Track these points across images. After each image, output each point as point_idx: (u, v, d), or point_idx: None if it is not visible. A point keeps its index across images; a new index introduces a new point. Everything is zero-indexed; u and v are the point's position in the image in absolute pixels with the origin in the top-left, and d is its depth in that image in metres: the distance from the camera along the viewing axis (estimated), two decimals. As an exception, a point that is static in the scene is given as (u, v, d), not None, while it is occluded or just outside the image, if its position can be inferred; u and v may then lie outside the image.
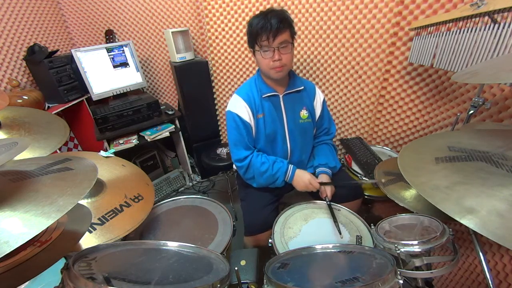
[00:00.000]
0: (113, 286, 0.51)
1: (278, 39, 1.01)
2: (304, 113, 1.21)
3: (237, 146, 1.17)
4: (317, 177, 1.20)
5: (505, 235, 0.41)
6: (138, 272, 0.64)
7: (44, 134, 0.98)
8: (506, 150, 0.58)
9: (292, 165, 1.17)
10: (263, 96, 1.15)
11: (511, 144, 0.60)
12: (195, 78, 1.86)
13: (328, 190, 1.12)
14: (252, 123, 1.17)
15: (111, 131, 1.78)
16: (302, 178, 1.14)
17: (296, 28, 1.08)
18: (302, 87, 1.20)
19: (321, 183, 1.12)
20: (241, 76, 1.90)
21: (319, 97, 1.25)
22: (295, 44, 1.25)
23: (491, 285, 0.72)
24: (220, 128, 2.16)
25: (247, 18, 1.65)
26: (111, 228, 0.86)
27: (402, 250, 0.73)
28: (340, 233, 0.94)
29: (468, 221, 0.45)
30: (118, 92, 1.95)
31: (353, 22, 1.41)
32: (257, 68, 1.21)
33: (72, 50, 1.70)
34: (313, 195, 1.21)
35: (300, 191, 1.17)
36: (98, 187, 0.98)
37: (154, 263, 0.70)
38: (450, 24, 1.00)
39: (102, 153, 1.18)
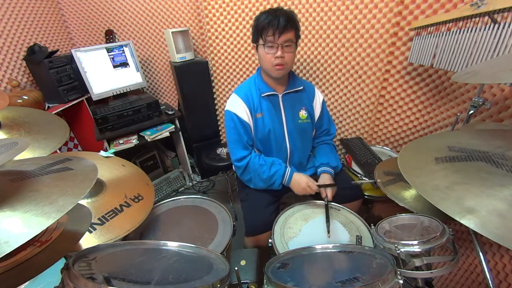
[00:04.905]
0: (113, 286, 0.51)
1: (283, 37, 1.01)
2: (303, 113, 1.20)
3: (235, 146, 1.17)
4: (318, 176, 1.20)
5: (505, 235, 0.41)
6: (138, 272, 0.64)
7: (44, 134, 0.98)
8: (506, 150, 0.58)
9: (289, 168, 1.16)
10: (262, 95, 1.15)
11: (511, 144, 0.60)
12: (195, 78, 1.86)
13: (329, 191, 1.11)
14: (251, 123, 1.16)
15: (111, 131, 1.78)
16: (299, 182, 1.13)
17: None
18: (302, 87, 1.19)
19: (320, 186, 1.12)
20: (241, 76, 1.89)
21: (319, 97, 1.25)
22: (296, 45, 1.28)
23: (491, 285, 0.72)
24: (220, 128, 2.16)
25: (247, 18, 1.65)
26: (111, 228, 0.86)
27: (402, 250, 0.73)
28: (329, 232, 0.96)
29: (468, 221, 0.45)
30: (118, 92, 1.95)
31: (353, 22, 1.41)
32: (257, 68, 1.21)
33: (72, 50, 1.70)
34: (313, 195, 1.20)
35: (298, 194, 1.16)
36: (98, 187, 0.98)
37: (154, 263, 0.70)
38: (450, 24, 1.00)
39: (102, 153, 1.18)
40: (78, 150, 2.33)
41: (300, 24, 1.10)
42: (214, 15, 1.70)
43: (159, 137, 1.89)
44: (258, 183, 1.17)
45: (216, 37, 1.78)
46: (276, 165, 1.15)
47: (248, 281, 0.87)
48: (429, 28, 1.10)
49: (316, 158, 1.28)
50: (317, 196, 1.16)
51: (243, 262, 0.94)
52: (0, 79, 1.71)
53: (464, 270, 1.10)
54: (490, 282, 0.72)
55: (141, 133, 1.88)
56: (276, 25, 0.99)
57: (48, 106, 1.85)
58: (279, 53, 1.03)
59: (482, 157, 0.58)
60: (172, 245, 0.76)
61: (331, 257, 0.78)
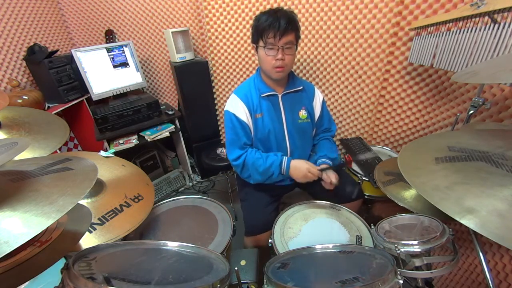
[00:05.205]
0: (113, 286, 0.51)
1: (284, 39, 1.00)
2: (303, 113, 1.20)
3: (232, 146, 1.17)
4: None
5: (505, 235, 0.41)
6: (138, 272, 0.64)
7: (44, 134, 0.98)
8: (506, 150, 0.58)
9: (286, 157, 1.14)
10: (262, 95, 1.15)
11: (511, 144, 0.60)
12: (195, 78, 1.86)
13: (332, 176, 1.09)
14: (250, 123, 1.16)
15: (111, 131, 1.78)
16: (300, 168, 1.10)
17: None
18: (301, 87, 1.19)
19: (321, 169, 1.09)
20: (241, 76, 1.90)
21: (318, 97, 1.24)
22: (296, 45, 1.28)
23: (491, 285, 0.72)
24: (220, 128, 2.16)
25: (247, 18, 1.65)
26: (111, 228, 0.86)
27: (402, 250, 0.73)
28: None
29: (468, 221, 0.45)
30: (118, 92, 1.95)
31: (353, 22, 1.41)
32: (256, 68, 1.21)
33: (72, 50, 1.70)
34: (314, 195, 1.20)
35: (300, 182, 1.12)
36: (98, 187, 0.98)
37: (154, 263, 0.70)
38: (450, 24, 1.00)
39: (102, 153, 1.18)
40: (78, 150, 2.33)
41: (300, 24, 1.09)
42: (214, 15, 1.70)
43: (159, 137, 1.89)
44: (257, 177, 1.16)
45: (216, 37, 1.78)
46: (271, 156, 1.14)
47: (248, 281, 0.87)
48: (429, 28, 1.10)
49: (316, 153, 1.27)
50: (317, 196, 1.16)
51: (243, 262, 0.94)
52: (0, 79, 1.71)
53: (464, 270, 1.10)
54: (490, 282, 0.72)
55: (141, 133, 1.88)
56: (277, 27, 0.98)
57: (48, 106, 1.85)
58: (279, 55, 1.02)
59: (482, 157, 0.58)
60: (172, 245, 0.76)
61: (331, 257, 0.78)
